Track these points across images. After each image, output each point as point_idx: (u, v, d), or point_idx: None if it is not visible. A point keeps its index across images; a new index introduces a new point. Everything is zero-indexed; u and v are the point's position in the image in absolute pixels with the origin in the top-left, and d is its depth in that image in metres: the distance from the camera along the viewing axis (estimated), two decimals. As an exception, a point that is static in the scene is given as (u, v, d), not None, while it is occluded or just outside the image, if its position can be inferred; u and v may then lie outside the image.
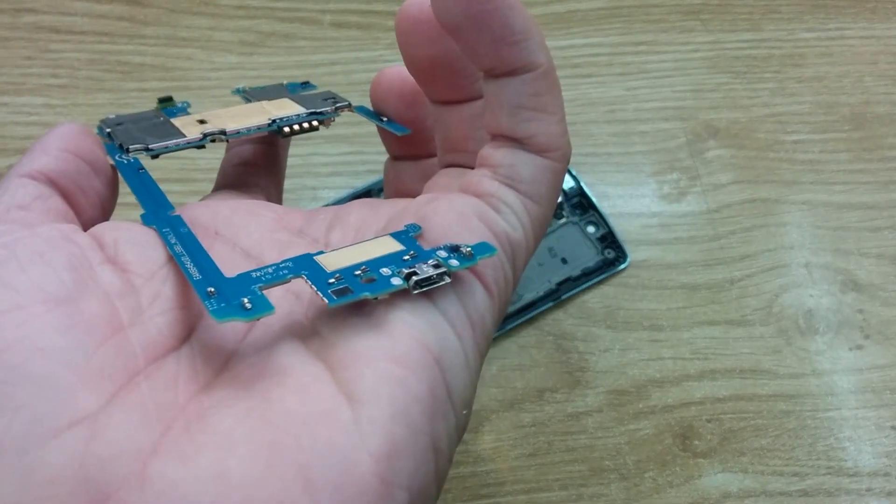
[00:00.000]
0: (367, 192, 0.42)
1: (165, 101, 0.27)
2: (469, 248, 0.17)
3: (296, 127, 0.24)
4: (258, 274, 0.17)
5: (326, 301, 0.16)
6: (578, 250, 0.41)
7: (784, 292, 0.40)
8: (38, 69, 0.46)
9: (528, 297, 0.39)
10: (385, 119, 0.24)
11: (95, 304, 0.16)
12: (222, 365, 0.17)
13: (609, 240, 0.41)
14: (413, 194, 0.23)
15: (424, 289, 0.17)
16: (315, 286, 0.17)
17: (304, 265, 0.17)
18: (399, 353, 0.16)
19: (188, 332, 0.17)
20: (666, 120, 0.45)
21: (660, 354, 0.38)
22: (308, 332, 0.17)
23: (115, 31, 0.48)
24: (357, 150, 0.44)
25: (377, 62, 0.47)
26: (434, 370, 0.16)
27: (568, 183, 0.42)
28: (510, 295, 0.20)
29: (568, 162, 0.21)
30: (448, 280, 0.17)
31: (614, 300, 0.40)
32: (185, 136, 0.23)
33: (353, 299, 0.16)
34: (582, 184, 0.42)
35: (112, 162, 0.22)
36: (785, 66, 0.47)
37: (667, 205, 0.43)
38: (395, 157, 0.26)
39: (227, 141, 0.23)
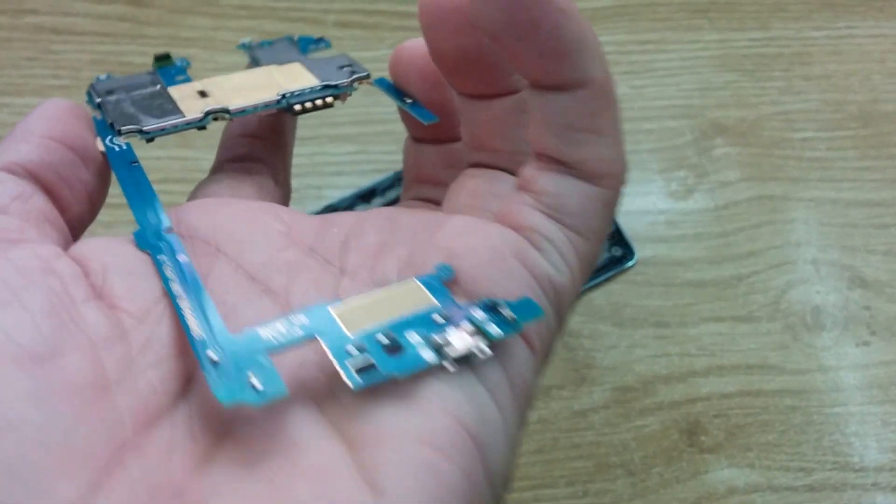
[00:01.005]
0: (372, 192, 0.43)
1: (162, 60, 0.25)
2: (511, 312, 0.15)
3: (308, 104, 0.22)
4: (268, 333, 0.15)
5: (350, 384, 0.14)
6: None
7: (791, 289, 0.41)
8: (39, 70, 0.47)
9: (535, 293, 0.40)
10: (409, 101, 0.22)
11: (78, 360, 0.14)
12: (225, 428, 0.15)
13: (616, 237, 0.42)
14: (435, 181, 0.22)
15: (461, 364, 0.15)
16: (334, 357, 0.15)
17: (320, 322, 0.15)
18: (431, 433, 0.14)
19: (184, 384, 0.15)
20: (673, 118, 0.46)
21: (666, 351, 0.39)
22: (325, 393, 0.15)
23: (116, 31, 0.48)
24: (361, 149, 0.45)
25: (382, 62, 0.48)
26: (471, 451, 0.14)
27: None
28: (555, 345, 0.18)
29: (623, 187, 0.19)
30: (488, 354, 0.15)
31: (621, 297, 0.41)
32: (183, 114, 0.21)
33: (380, 381, 0.14)
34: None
35: (102, 148, 0.20)
36: (793, 64, 0.48)
37: (674, 202, 0.44)
38: (417, 139, 0.24)
39: (231, 120, 0.22)
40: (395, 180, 0.43)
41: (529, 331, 0.16)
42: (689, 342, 0.40)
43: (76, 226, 0.19)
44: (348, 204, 0.42)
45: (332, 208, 0.42)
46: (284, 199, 0.24)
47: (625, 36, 0.49)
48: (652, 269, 0.42)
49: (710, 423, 0.38)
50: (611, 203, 0.18)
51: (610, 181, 0.18)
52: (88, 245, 0.17)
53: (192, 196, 0.22)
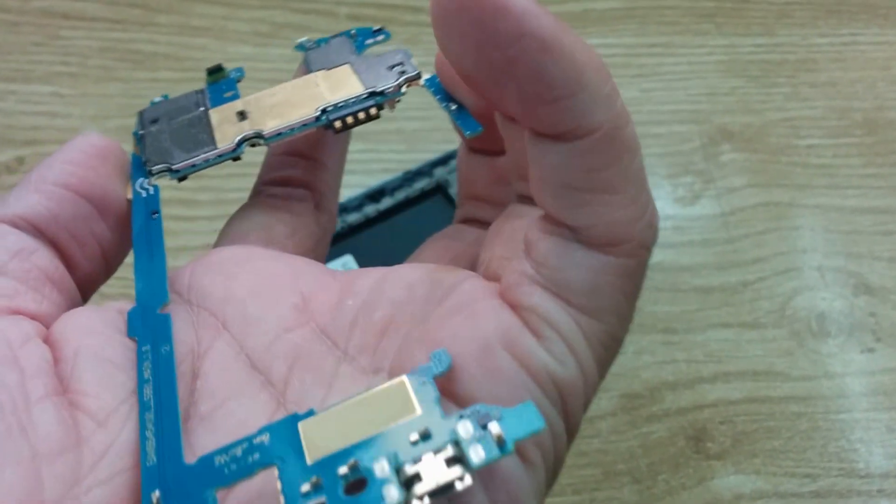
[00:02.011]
0: (381, 191, 0.42)
1: (215, 73, 0.22)
2: (500, 430, 0.13)
3: (349, 120, 0.19)
4: (222, 459, 0.14)
5: None
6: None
7: (797, 295, 0.41)
8: (47, 56, 0.45)
9: (544, 297, 0.40)
10: (454, 106, 0.20)
11: (11, 475, 0.13)
12: None
13: None
14: (488, 199, 0.20)
15: (434, 498, 0.13)
16: (285, 497, 0.13)
17: (283, 443, 0.14)
18: None
19: (139, 500, 0.14)
20: (681, 123, 0.45)
21: (673, 357, 0.39)
22: None
23: (127, 18, 0.47)
24: (371, 147, 0.44)
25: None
26: None
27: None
28: (565, 450, 0.15)
29: (649, 251, 0.15)
30: (468, 484, 0.13)
31: None
32: (216, 144, 0.19)
33: None
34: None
35: (131, 195, 0.18)
36: (798, 70, 0.48)
37: (681, 208, 0.43)
38: (470, 149, 0.21)
39: (268, 144, 0.20)
40: (405, 180, 0.42)
41: (525, 447, 0.14)
42: (696, 348, 0.39)
43: (87, 284, 0.18)
44: (357, 203, 0.42)
45: (341, 208, 0.41)
46: (327, 227, 0.22)
47: (633, 38, 0.48)
48: (659, 275, 0.41)
49: (717, 429, 0.37)
50: (632, 275, 0.15)
51: (627, 249, 0.15)
52: (72, 322, 0.16)
53: (223, 231, 0.20)
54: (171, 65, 0.46)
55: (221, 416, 0.15)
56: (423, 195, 0.42)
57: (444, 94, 0.20)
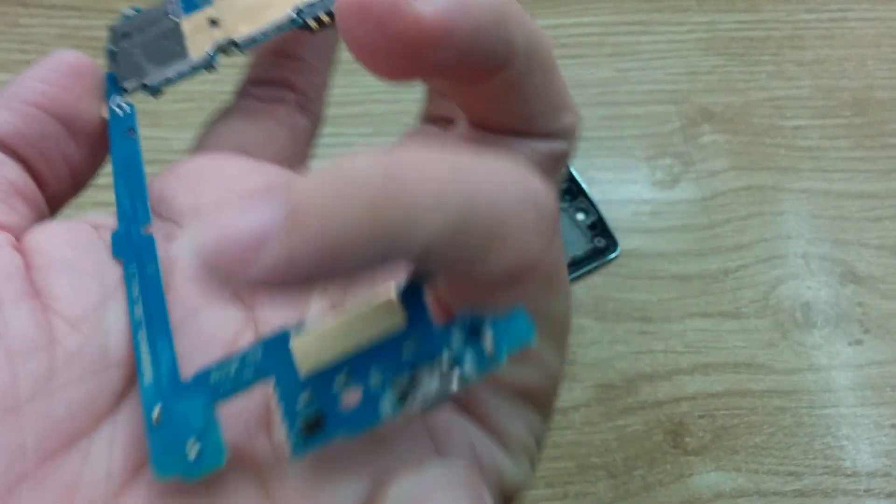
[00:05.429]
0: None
1: None
2: (492, 342, 0.12)
3: (325, 18, 0.18)
4: (217, 376, 0.13)
5: (289, 454, 0.13)
6: (567, 238, 0.38)
7: (780, 284, 0.38)
8: (5, 44, 0.43)
9: (514, 286, 0.36)
10: None
11: None
12: (146, 457, 0.13)
13: (599, 228, 0.38)
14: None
15: (428, 409, 0.13)
16: (283, 410, 0.13)
17: (275, 358, 0.13)
18: None
19: (115, 399, 0.14)
20: (659, 103, 0.42)
21: (650, 347, 0.36)
22: (264, 451, 0.14)
23: (85, 5, 0.45)
24: (338, 131, 0.41)
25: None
26: None
27: (557, 167, 0.39)
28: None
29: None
30: (454, 390, 0.12)
31: (603, 290, 0.37)
32: (189, 55, 0.18)
33: (324, 443, 0.13)
34: (571, 169, 0.39)
35: (106, 114, 0.17)
36: (783, 48, 0.44)
37: (659, 191, 0.40)
38: None
39: (243, 52, 0.18)
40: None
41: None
42: (673, 338, 0.37)
43: (56, 201, 0.17)
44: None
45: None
46: (311, 130, 0.21)
47: (610, 17, 0.45)
48: (635, 262, 0.38)
49: (696, 423, 0.35)
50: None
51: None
52: (44, 233, 0.15)
53: (202, 133, 0.20)
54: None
55: (193, 327, 0.15)
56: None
57: None
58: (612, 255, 0.38)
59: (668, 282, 0.38)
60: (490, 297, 0.13)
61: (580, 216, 0.39)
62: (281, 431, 0.13)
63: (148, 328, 0.14)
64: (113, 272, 0.15)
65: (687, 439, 0.34)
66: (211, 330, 0.15)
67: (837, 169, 0.41)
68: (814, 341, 0.37)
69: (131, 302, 0.15)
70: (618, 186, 0.40)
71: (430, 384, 0.12)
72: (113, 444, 0.13)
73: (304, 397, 0.13)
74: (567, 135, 0.15)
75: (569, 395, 0.35)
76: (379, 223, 0.10)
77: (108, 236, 0.16)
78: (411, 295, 0.13)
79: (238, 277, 0.10)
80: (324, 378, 0.13)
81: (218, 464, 0.13)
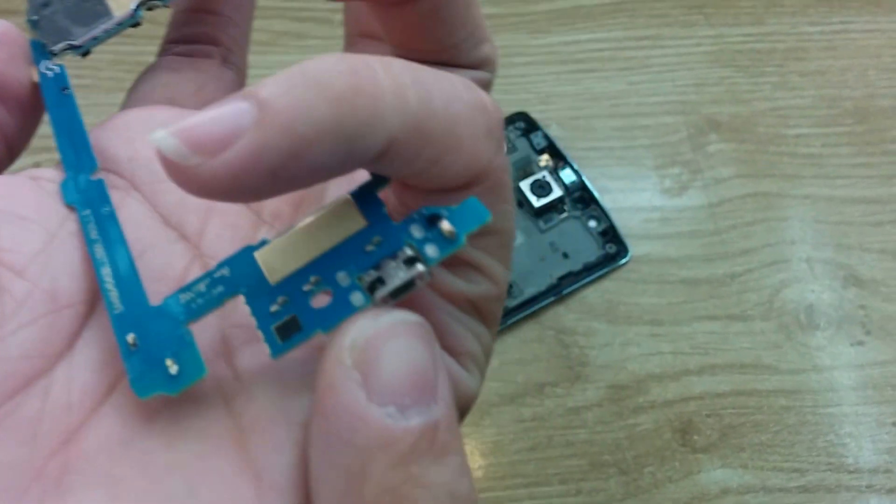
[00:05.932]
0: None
1: None
2: (451, 227, 0.12)
3: None
4: (187, 297, 0.13)
5: (269, 352, 0.13)
6: (580, 245, 0.39)
7: (785, 287, 0.38)
8: None
9: (530, 291, 0.37)
10: None
11: None
12: (108, 389, 0.13)
13: (610, 234, 0.39)
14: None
15: (396, 299, 0.13)
16: (257, 319, 0.13)
17: (243, 273, 0.13)
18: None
19: (69, 340, 0.14)
20: (668, 114, 0.43)
21: (660, 349, 0.37)
22: (226, 372, 0.14)
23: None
24: None
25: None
26: None
27: (570, 177, 0.40)
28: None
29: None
30: (425, 281, 0.13)
31: (615, 295, 0.38)
32: (112, 13, 0.18)
33: (302, 341, 0.13)
34: (584, 178, 0.40)
35: (36, 78, 0.17)
36: (788, 59, 0.45)
37: (668, 199, 0.41)
38: None
39: (167, 6, 0.18)
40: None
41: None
42: (682, 340, 0.37)
43: None
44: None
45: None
46: (237, 83, 0.21)
47: (622, 32, 0.46)
48: (646, 267, 0.39)
49: (704, 422, 0.36)
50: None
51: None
52: None
53: (130, 92, 0.19)
54: (168, 70, 0.44)
55: (141, 266, 0.15)
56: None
57: None
58: (623, 261, 0.38)
59: (677, 286, 0.38)
60: (442, 204, 0.13)
61: (592, 223, 0.39)
62: (254, 351, 0.14)
63: (111, 263, 0.14)
64: (55, 218, 0.15)
65: (695, 437, 0.35)
66: (160, 267, 0.15)
67: (840, 175, 0.41)
68: (817, 343, 0.37)
69: (91, 243, 0.15)
70: (628, 195, 0.41)
71: (396, 273, 0.13)
72: (72, 379, 0.13)
73: (275, 304, 0.13)
74: (489, 65, 0.15)
75: (582, 395, 0.36)
76: (344, 119, 0.11)
77: (49, 186, 0.15)
78: (367, 196, 0.13)
79: (205, 172, 0.11)
80: (293, 283, 0.13)
81: (200, 375, 0.13)
